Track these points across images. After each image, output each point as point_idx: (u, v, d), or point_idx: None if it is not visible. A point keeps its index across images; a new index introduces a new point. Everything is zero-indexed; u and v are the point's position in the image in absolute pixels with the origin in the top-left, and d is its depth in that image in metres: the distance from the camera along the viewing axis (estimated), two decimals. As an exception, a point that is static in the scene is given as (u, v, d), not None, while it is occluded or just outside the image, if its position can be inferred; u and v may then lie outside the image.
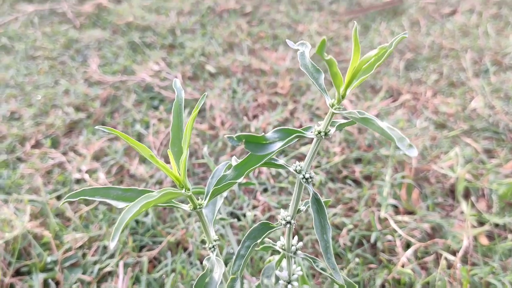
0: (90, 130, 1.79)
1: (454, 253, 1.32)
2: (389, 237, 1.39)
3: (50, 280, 1.23)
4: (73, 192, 0.85)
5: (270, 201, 1.50)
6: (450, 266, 1.28)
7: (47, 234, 1.33)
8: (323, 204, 0.74)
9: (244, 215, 1.46)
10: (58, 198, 1.50)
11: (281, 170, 1.63)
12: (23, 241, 1.33)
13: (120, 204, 0.82)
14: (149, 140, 1.74)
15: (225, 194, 0.96)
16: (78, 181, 1.58)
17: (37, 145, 1.74)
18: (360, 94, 1.98)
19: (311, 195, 0.75)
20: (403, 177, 1.57)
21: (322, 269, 0.85)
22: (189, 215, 1.45)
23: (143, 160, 1.67)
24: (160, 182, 1.58)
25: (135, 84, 2.03)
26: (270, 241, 0.91)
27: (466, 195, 1.54)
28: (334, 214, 1.47)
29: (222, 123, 1.81)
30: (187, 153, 0.82)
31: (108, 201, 0.81)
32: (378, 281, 1.25)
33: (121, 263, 1.20)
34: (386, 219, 1.45)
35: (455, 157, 1.63)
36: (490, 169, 1.60)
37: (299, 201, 0.81)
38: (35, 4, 2.66)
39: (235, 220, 1.11)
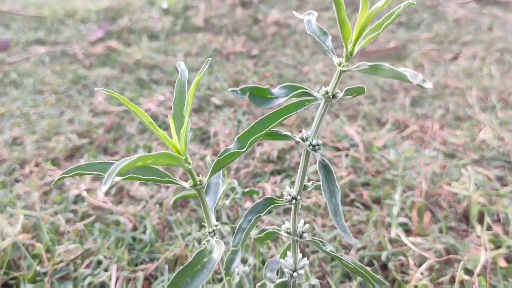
0: (92, 154, 1.76)
1: (471, 273, 1.23)
2: (401, 257, 1.31)
3: (39, 291, 1.15)
4: (67, 169, 0.81)
5: (274, 220, 1.43)
6: (466, 283, 1.19)
7: (39, 245, 1.26)
8: (331, 168, 0.69)
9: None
10: (54, 214, 1.44)
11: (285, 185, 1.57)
12: (13, 252, 1.26)
13: (117, 178, 0.78)
14: (151, 163, 1.70)
15: (223, 186, 0.91)
16: (75, 201, 1.53)
17: (37, 167, 1.70)
18: (367, 126, 1.96)
19: (318, 161, 0.70)
20: (413, 196, 1.51)
21: (331, 251, 0.78)
22: (189, 233, 1.38)
23: (144, 183, 1.62)
24: (160, 203, 1.52)
25: (140, 113, 2.02)
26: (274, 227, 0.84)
27: (480, 220, 1.47)
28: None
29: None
30: (188, 121, 0.79)
31: (104, 175, 0.77)
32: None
33: (113, 269, 1.12)
34: (397, 240, 1.37)
35: (468, 180, 1.57)
36: (504, 195, 1.54)
37: (306, 174, 0.76)
38: (48, 46, 2.73)
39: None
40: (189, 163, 0.79)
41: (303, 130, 0.74)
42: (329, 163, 0.70)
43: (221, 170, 0.94)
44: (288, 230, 0.81)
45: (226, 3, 3.34)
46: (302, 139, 0.74)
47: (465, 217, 1.50)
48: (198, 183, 0.80)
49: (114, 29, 2.94)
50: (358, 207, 1.53)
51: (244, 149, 0.76)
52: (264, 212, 0.74)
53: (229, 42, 2.79)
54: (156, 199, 1.53)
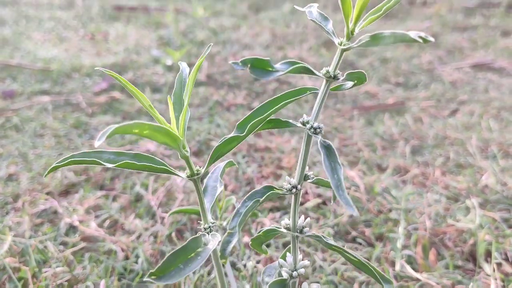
0: (88, 190, 1.72)
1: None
2: (407, 292, 1.24)
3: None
4: (61, 159, 0.79)
5: (273, 253, 1.37)
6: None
7: (25, 268, 1.20)
8: (332, 147, 0.67)
9: (245, 266, 1.33)
10: (44, 241, 1.38)
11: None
12: (-4, 275, 1.19)
13: (111, 165, 0.76)
14: (148, 198, 1.66)
15: (220, 188, 0.88)
16: (67, 233, 1.47)
17: (30, 200, 1.66)
18: (367, 171, 1.94)
19: (319, 142, 0.69)
20: (417, 230, 1.45)
21: (334, 246, 0.74)
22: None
23: (139, 216, 1.57)
24: (155, 235, 1.47)
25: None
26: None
27: (488, 259, 1.41)
28: (345, 269, 1.33)
29: (225, 186, 1.75)
30: (187, 107, 0.78)
31: (99, 160, 0.75)
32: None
33: (102, 283, 1.05)
34: (402, 276, 1.30)
35: (473, 217, 1.52)
36: (511, 235, 1.48)
37: (307, 162, 0.73)
38: (52, 95, 2.78)
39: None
40: (186, 151, 0.77)
41: (304, 115, 0.73)
42: (330, 143, 0.68)
43: (220, 173, 0.92)
44: (288, 226, 0.77)
45: (229, 62, 3.44)
46: (302, 123, 0.72)
47: (471, 256, 1.44)
48: (195, 172, 0.78)
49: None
50: (360, 243, 1.47)
51: (244, 133, 0.74)
52: (263, 198, 0.71)
53: (231, 95, 2.84)
54: (150, 232, 1.48)
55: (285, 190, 0.73)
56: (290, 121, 0.74)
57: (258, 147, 2.13)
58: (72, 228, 1.50)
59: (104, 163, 0.74)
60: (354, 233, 1.51)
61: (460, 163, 2.03)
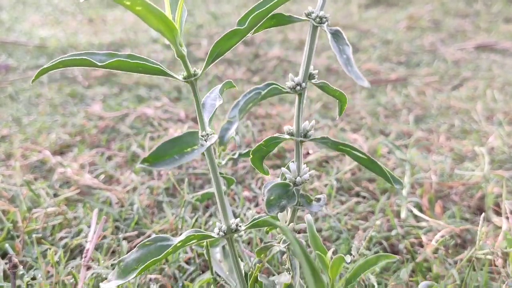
0: (82, 150, 1.67)
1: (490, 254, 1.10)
2: (413, 239, 1.19)
3: (7, 245, 1.02)
4: (50, 62, 0.75)
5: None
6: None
7: (14, 209, 1.14)
8: (341, 32, 0.62)
9: (244, 215, 1.28)
10: (35, 190, 1.32)
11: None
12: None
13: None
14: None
15: (219, 102, 0.82)
16: (61, 185, 1.42)
17: (23, 159, 1.60)
18: (370, 137, 1.88)
19: (326, 29, 0.64)
20: (423, 179, 1.40)
21: (341, 145, 0.68)
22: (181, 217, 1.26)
23: (136, 173, 1.52)
24: (152, 189, 1.41)
25: (136, 118, 1.96)
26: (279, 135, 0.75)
27: (497, 212, 1.36)
28: (349, 218, 1.27)
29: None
30: (183, 1, 0.73)
31: (90, 59, 0.70)
32: (404, 271, 1.02)
33: (95, 211, 1.00)
34: (406, 225, 1.25)
35: (482, 160, 1.47)
36: (520, 190, 1.43)
37: (312, 58, 0.68)
38: (48, 70, 2.72)
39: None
40: (183, 49, 0.72)
41: (309, 7, 0.68)
42: (339, 28, 0.63)
43: (219, 90, 0.87)
44: (291, 131, 0.72)
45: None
46: (307, 15, 0.67)
47: (479, 210, 1.39)
48: (192, 73, 0.73)
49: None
50: (364, 197, 1.42)
51: (245, 26, 0.69)
52: (265, 91, 0.65)
53: (230, 71, 2.79)
54: (146, 185, 1.42)
55: (289, 88, 0.68)
56: (295, 16, 0.69)
57: (259, 114, 2.08)
58: (66, 182, 1.44)
59: (96, 62, 0.70)
60: (357, 188, 1.46)
61: (465, 129, 1.98)
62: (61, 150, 1.71)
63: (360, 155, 0.66)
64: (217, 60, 0.74)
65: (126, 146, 1.72)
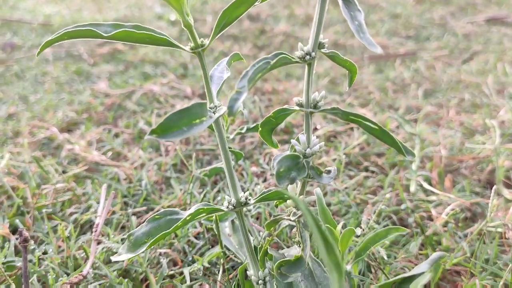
0: (89, 127, 1.67)
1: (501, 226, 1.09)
2: (422, 213, 1.18)
3: (18, 221, 1.02)
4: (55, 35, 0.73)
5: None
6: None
7: (24, 186, 1.14)
8: (352, -2, 0.60)
9: (253, 190, 1.27)
10: (44, 166, 1.32)
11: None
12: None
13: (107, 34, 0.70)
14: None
15: (227, 74, 0.81)
16: (69, 162, 1.42)
17: (31, 136, 1.60)
18: (379, 112, 1.86)
19: (337, -5, 0.61)
20: (433, 153, 1.39)
21: (352, 116, 0.67)
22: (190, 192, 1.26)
23: (143, 149, 1.51)
24: (160, 165, 1.41)
25: (143, 95, 1.95)
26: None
27: (508, 186, 1.34)
28: (358, 192, 1.27)
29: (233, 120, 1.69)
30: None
31: (95, 30, 0.69)
32: (414, 245, 1.02)
33: (103, 187, 1.00)
34: (415, 199, 1.24)
35: (493, 133, 1.45)
36: (531, 163, 1.42)
37: (322, 26, 0.66)
38: (53, 47, 2.71)
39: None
40: (190, 18, 0.70)
41: (319, -26, 0.65)
42: (349, -6, 0.61)
43: (227, 62, 0.85)
44: (300, 102, 0.70)
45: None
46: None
47: (489, 184, 1.38)
48: (200, 44, 0.71)
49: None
50: (373, 172, 1.41)
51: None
52: (274, 61, 0.64)
53: (236, 47, 2.76)
54: (154, 162, 1.42)
55: (298, 58, 0.67)
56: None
57: (266, 90, 2.06)
58: (74, 159, 1.44)
59: (101, 33, 0.68)
60: (366, 163, 1.44)
61: (475, 103, 1.95)
62: (68, 128, 1.71)
63: (372, 125, 0.64)
64: (224, 33, 0.73)
65: (133, 123, 1.71)
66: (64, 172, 1.34)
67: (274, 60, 0.63)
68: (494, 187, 0.94)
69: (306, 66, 0.68)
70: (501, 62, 2.51)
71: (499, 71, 2.34)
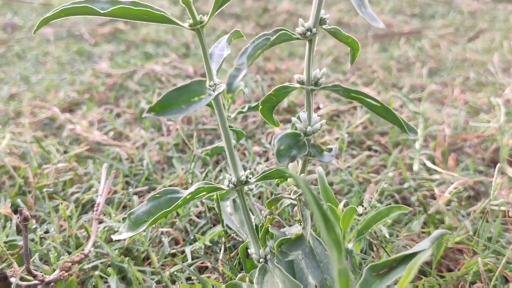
0: (90, 107, 1.66)
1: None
2: (425, 192, 1.17)
3: (19, 200, 1.02)
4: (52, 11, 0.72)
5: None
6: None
7: (25, 165, 1.14)
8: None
9: (255, 170, 1.27)
10: (45, 146, 1.32)
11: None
12: (-4, 174, 1.14)
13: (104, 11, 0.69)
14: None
15: (227, 52, 0.80)
16: (71, 142, 1.41)
17: (32, 116, 1.60)
18: (383, 91, 1.84)
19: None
20: (437, 132, 1.37)
21: (354, 92, 0.66)
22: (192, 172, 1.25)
23: (145, 129, 1.51)
24: (161, 145, 1.40)
25: (145, 74, 1.93)
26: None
27: (512, 164, 1.33)
28: (361, 171, 1.26)
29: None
30: None
31: (92, 6, 0.68)
32: (416, 223, 1.02)
33: (104, 166, 0.99)
34: (419, 178, 1.23)
35: (498, 112, 1.44)
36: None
37: (323, 1, 0.65)
38: (54, 27, 2.69)
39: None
40: (188, -7, 0.69)
41: None
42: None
43: (227, 40, 0.84)
44: (301, 80, 0.69)
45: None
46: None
47: (493, 162, 1.37)
48: (198, 21, 0.70)
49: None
50: (376, 151, 1.40)
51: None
52: (274, 37, 0.63)
53: (238, 25, 2.72)
54: (156, 141, 1.42)
55: (299, 34, 0.65)
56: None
57: (268, 69, 2.04)
58: (75, 139, 1.44)
59: (98, 10, 0.67)
60: (369, 142, 1.43)
61: (480, 82, 1.93)
62: (70, 108, 1.70)
63: (374, 102, 0.63)
64: (226, 12, 0.71)
65: (134, 103, 1.70)
66: (65, 152, 1.34)
67: (274, 37, 0.62)
68: (498, 165, 0.93)
69: (307, 43, 0.67)
70: (507, 40, 2.48)
71: (504, 49, 2.31)
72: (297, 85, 0.70)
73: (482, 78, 1.96)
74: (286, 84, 0.71)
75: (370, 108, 0.65)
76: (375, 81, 1.94)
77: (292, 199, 0.74)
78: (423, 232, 1.01)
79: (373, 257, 0.90)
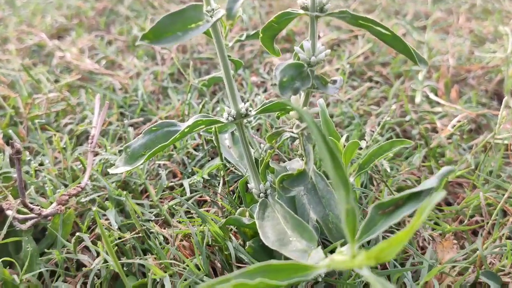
0: (80, 33, 1.58)
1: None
2: (427, 125, 1.15)
3: (11, 131, 0.99)
4: None
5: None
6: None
7: (15, 95, 1.10)
8: None
9: (253, 101, 1.23)
10: (35, 75, 1.27)
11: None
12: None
13: None
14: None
15: None
16: (61, 71, 1.36)
17: (19, 42, 1.53)
18: (385, 19, 1.76)
19: None
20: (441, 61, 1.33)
21: (361, 19, 0.61)
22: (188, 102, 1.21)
23: (139, 57, 1.45)
24: (156, 74, 1.35)
25: (136, -2, 1.84)
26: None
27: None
28: (361, 103, 1.23)
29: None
30: None
31: None
32: (417, 157, 1.00)
33: (97, 96, 0.96)
34: (420, 111, 1.20)
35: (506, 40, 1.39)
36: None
37: None
38: None
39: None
40: None
41: None
42: None
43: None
44: (305, 5, 0.64)
45: None
46: None
47: (497, 95, 1.34)
48: None
49: None
50: (377, 82, 1.36)
51: None
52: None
53: None
54: (150, 71, 1.36)
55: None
56: None
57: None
58: (66, 68, 1.38)
59: None
60: (370, 73, 1.39)
61: (487, 9, 1.85)
62: (59, 34, 1.63)
63: (384, 31, 0.59)
64: None
65: (126, 29, 1.63)
66: (56, 81, 1.29)
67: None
68: (505, 98, 0.90)
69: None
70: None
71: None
72: (301, 11, 0.65)
73: (489, 5, 1.88)
74: (289, 10, 0.66)
75: (378, 37, 0.61)
76: (378, 8, 1.85)
77: (294, 133, 0.72)
78: (424, 166, 1.00)
79: (373, 191, 0.89)
